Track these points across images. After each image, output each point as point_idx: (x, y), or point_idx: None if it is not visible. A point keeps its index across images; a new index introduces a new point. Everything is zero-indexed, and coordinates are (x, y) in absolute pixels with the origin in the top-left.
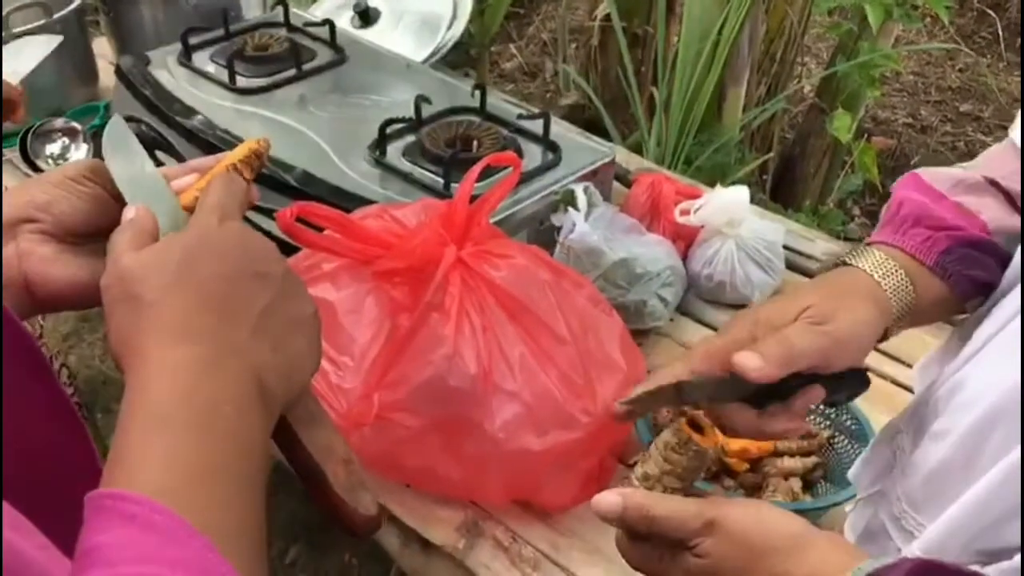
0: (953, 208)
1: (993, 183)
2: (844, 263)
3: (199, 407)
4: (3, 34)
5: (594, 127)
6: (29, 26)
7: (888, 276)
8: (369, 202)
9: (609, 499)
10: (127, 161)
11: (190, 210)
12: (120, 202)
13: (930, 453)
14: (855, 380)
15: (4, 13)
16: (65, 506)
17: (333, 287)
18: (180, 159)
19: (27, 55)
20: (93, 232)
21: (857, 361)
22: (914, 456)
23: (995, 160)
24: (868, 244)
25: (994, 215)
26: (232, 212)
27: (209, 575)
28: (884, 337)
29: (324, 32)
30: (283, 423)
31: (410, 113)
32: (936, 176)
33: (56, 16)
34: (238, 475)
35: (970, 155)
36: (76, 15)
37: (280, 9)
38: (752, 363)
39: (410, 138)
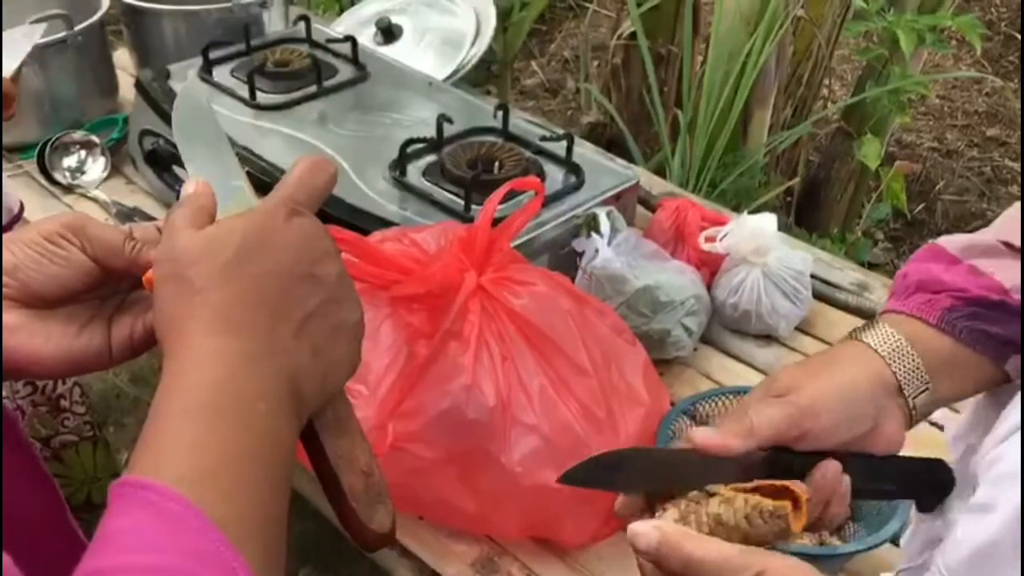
0: (965, 271)
1: (1008, 245)
2: (850, 337)
3: (232, 399)
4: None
5: (615, 146)
6: (51, 38)
7: (885, 341)
8: (388, 222)
9: (646, 531)
10: (196, 132)
11: None
12: (100, 263)
13: (976, 529)
14: (915, 471)
15: (28, 24)
16: (33, 563)
17: None
18: None
19: (13, 48)
20: (67, 297)
21: (846, 432)
22: (958, 529)
23: (1010, 222)
24: (880, 315)
25: (1009, 275)
26: (305, 205)
27: (220, 566)
28: (911, 418)
29: (346, 48)
30: (310, 426)
31: (431, 132)
32: (951, 240)
33: (77, 28)
34: (263, 471)
35: (997, 180)
36: (98, 27)
37: (302, 24)
38: (703, 437)
39: (431, 158)
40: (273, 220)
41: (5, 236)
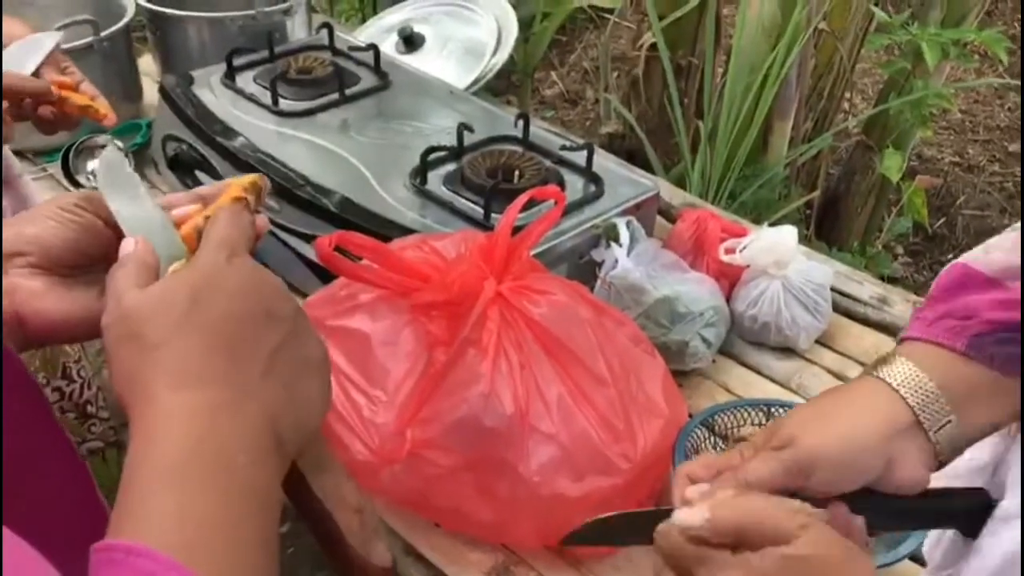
0: (997, 292)
1: None
2: (867, 371)
3: (212, 457)
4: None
5: (634, 157)
6: (78, 43)
7: (901, 375)
8: (408, 230)
9: (696, 514)
10: (123, 192)
11: (189, 241)
12: (115, 230)
13: (1003, 539)
14: (941, 504)
15: (54, 29)
16: (64, 544)
17: (369, 318)
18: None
19: (26, 56)
20: (86, 262)
21: (851, 481)
22: (984, 539)
23: None
24: (900, 342)
25: None
26: (240, 247)
27: None
28: (936, 454)
29: (368, 57)
30: (292, 469)
31: (452, 140)
32: (989, 262)
33: (104, 33)
34: (255, 531)
35: (1019, 196)
36: (123, 33)
37: (325, 32)
38: (695, 520)
39: (451, 166)
40: (216, 265)
41: (28, 211)
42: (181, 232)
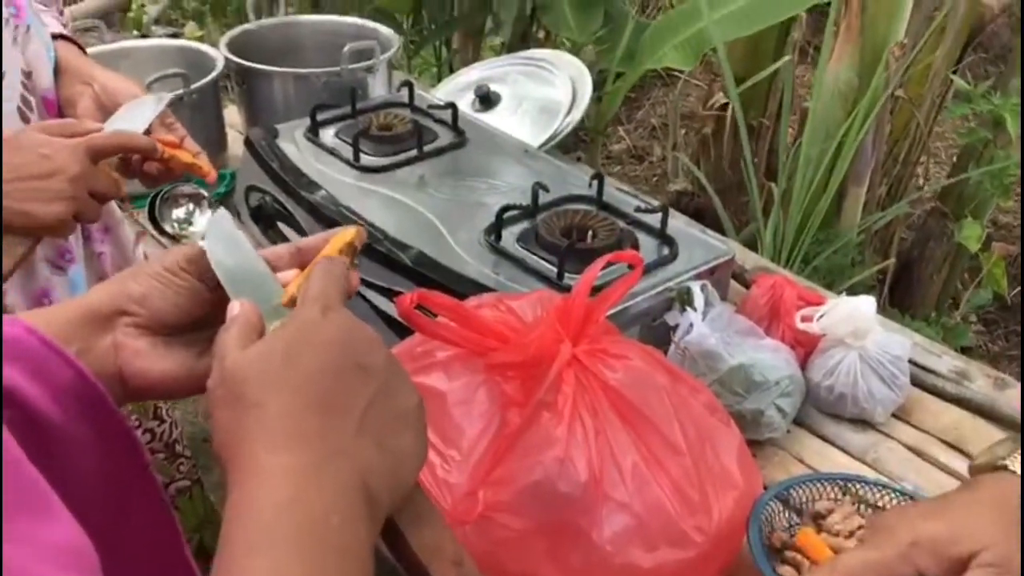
0: None
1: None
2: (1005, 467)
3: (304, 520)
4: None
5: (702, 215)
6: (169, 94)
7: None
8: (481, 286)
9: None
10: (231, 254)
11: (293, 304)
12: (216, 293)
13: None
14: None
15: (147, 83)
16: None
17: (445, 376)
18: (301, 232)
19: (138, 116)
20: (188, 324)
21: None
22: None
23: None
24: None
25: None
26: (334, 302)
27: None
28: None
29: (446, 115)
30: (389, 521)
31: (525, 198)
32: None
33: (193, 86)
34: None
35: None
36: (212, 86)
37: (405, 90)
38: None
39: (525, 224)
40: (310, 319)
41: (132, 268)
42: (287, 293)
